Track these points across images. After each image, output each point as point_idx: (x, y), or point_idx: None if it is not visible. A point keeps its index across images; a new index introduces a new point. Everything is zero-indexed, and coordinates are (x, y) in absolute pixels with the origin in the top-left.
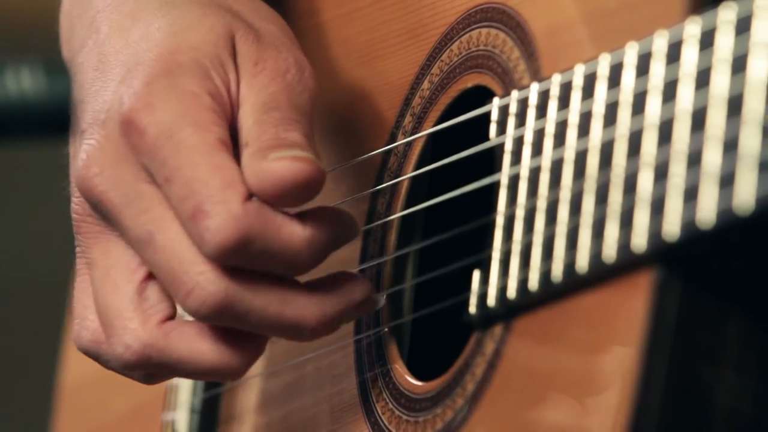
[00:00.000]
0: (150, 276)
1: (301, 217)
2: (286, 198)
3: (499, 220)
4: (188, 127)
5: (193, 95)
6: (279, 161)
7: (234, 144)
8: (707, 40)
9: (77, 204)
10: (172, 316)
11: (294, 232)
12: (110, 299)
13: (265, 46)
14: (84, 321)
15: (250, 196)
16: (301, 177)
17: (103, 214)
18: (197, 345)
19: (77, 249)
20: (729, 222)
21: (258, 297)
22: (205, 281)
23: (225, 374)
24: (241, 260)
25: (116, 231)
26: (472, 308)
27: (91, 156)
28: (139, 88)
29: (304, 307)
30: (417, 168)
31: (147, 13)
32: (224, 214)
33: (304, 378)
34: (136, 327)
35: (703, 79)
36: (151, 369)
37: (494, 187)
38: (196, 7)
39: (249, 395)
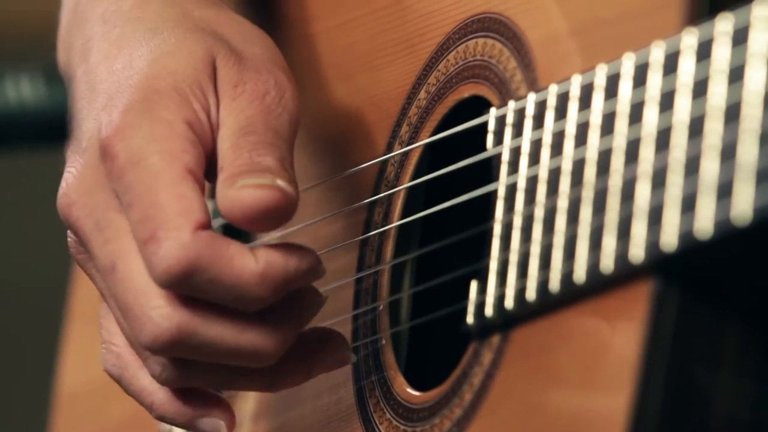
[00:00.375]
0: None
1: (258, 251)
2: (254, 225)
3: (497, 230)
4: (155, 154)
5: (166, 123)
6: (245, 189)
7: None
8: (704, 51)
9: (69, 236)
10: None
11: (246, 264)
12: (129, 294)
13: (246, 68)
14: (110, 346)
15: (205, 225)
16: (266, 205)
17: (81, 241)
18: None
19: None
20: (727, 233)
21: (211, 331)
22: (158, 316)
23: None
24: (189, 289)
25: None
26: (470, 318)
27: (69, 184)
28: (115, 116)
29: (260, 334)
30: (414, 178)
31: (132, 41)
32: (173, 241)
33: (302, 388)
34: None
35: (700, 90)
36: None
37: (491, 196)
38: (176, 32)
39: (247, 404)
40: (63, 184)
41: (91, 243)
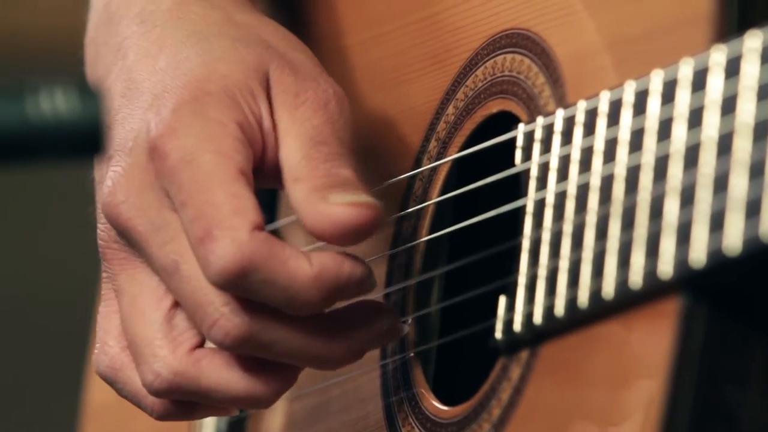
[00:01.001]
0: (178, 302)
1: (313, 255)
2: (344, 241)
3: (525, 246)
4: (209, 153)
5: (218, 122)
6: (342, 207)
7: (268, 175)
8: (733, 68)
9: (103, 231)
10: (201, 344)
11: (300, 267)
12: (139, 327)
13: (302, 77)
14: (104, 346)
15: (260, 225)
16: (364, 223)
17: (129, 241)
18: (227, 374)
19: (103, 275)
20: (755, 250)
21: (282, 328)
22: (230, 312)
23: (254, 403)
24: (243, 288)
25: (142, 258)
26: (498, 333)
27: (117, 183)
28: (166, 114)
29: (329, 338)
30: (442, 193)
31: (175, 42)
32: (229, 240)
33: (329, 401)
34: (166, 355)
35: (728, 107)
36: (178, 396)
37: (519, 212)
38: (226, 40)
39: (275, 418)
40: (109, 182)
41: (148, 243)
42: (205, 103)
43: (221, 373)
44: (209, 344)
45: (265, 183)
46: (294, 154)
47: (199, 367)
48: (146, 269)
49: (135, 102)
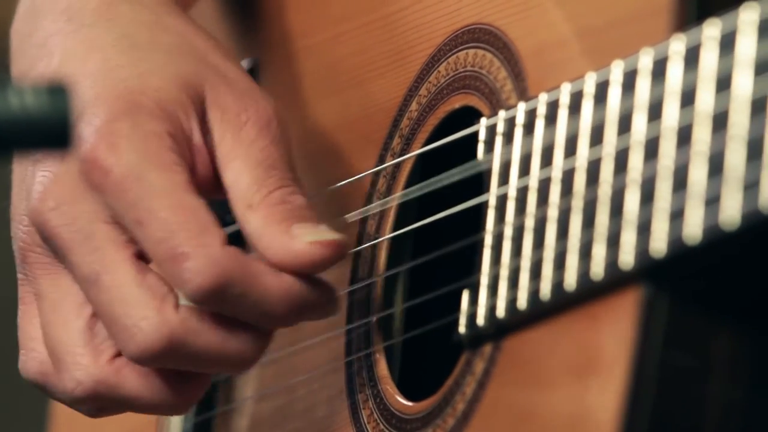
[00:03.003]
0: None
1: (282, 271)
2: (306, 272)
3: (488, 240)
4: (155, 169)
5: (156, 136)
6: (308, 245)
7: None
8: (692, 57)
9: (26, 233)
10: (121, 352)
11: (273, 282)
12: (60, 334)
13: (240, 94)
14: (31, 352)
15: (227, 239)
16: (328, 260)
17: (53, 248)
18: (146, 382)
19: (21, 277)
20: (715, 238)
21: (198, 341)
22: (147, 326)
23: (171, 410)
24: (219, 304)
25: (65, 265)
26: (462, 328)
27: (48, 189)
28: (100, 125)
29: (243, 343)
30: (406, 189)
31: (104, 44)
32: (204, 257)
33: (295, 401)
34: (87, 363)
35: (688, 96)
36: (101, 404)
37: (483, 206)
38: (161, 49)
39: (241, 419)
40: (39, 188)
41: (72, 252)
42: (139, 116)
43: (141, 382)
44: None
45: None
46: (243, 179)
47: (119, 375)
48: (69, 276)
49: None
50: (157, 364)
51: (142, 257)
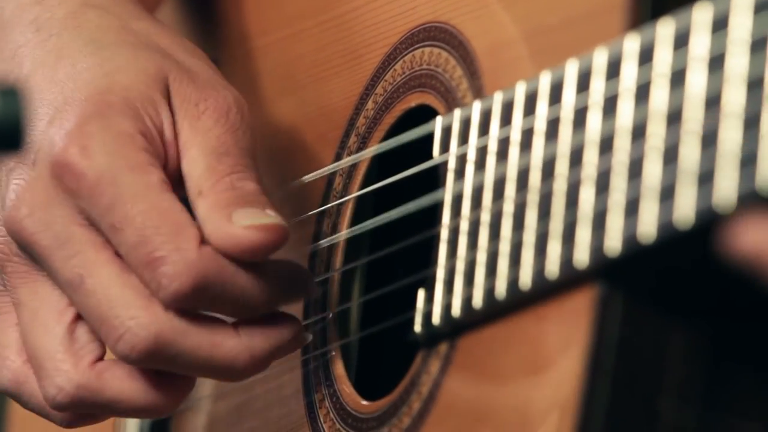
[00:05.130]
0: (79, 316)
1: (256, 264)
2: (248, 259)
3: (443, 238)
4: (129, 172)
5: (127, 136)
6: (246, 230)
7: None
8: (646, 56)
9: (2, 243)
10: (102, 356)
11: (248, 277)
12: (40, 340)
13: (201, 85)
14: (5, 361)
15: (201, 238)
16: (270, 243)
17: (32, 255)
18: (129, 385)
19: None
20: (669, 236)
21: (188, 341)
22: (136, 326)
23: (156, 413)
24: (198, 304)
25: (44, 272)
26: (418, 327)
27: (21, 197)
28: (71, 129)
29: (233, 350)
30: (362, 188)
31: (72, 51)
32: (180, 261)
33: (252, 400)
34: (68, 369)
35: (642, 94)
36: (83, 409)
37: (439, 205)
38: (126, 48)
39: (198, 417)
40: (12, 195)
41: (52, 258)
42: (109, 116)
43: (123, 385)
44: (109, 355)
45: None
46: (197, 166)
47: (101, 379)
48: (47, 282)
49: (34, 114)
50: (146, 364)
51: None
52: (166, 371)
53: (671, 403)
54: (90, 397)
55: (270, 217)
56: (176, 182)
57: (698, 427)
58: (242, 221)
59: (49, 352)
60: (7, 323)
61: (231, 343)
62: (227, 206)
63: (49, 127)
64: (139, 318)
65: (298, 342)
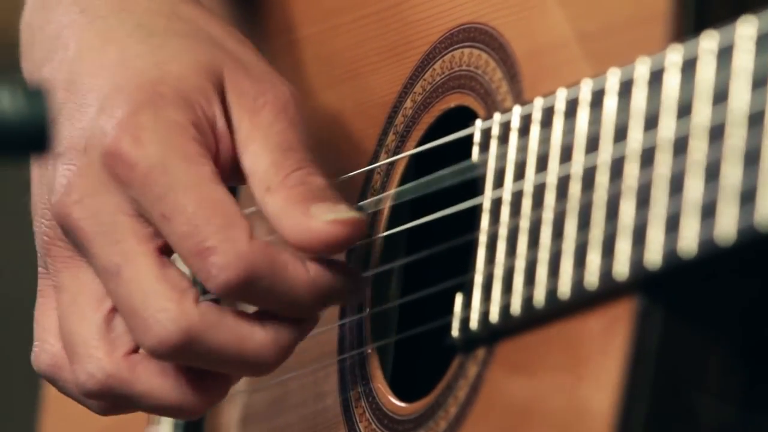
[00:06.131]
0: None
1: (307, 260)
2: (326, 254)
3: (482, 243)
4: (181, 162)
5: (180, 126)
6: (327, 224)
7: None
8: (689, 69)
9: (48, 227)
10: (137, 349)
11: (300, 273)
12: (76, 326)
13: (257, 78)
14: (44, 344)
15: (251, 231)
16: (348, 239)
17: (74, 241)
18: (161, 381)
19: (41, 271)
20: (711, 252)
21: (217, 336)
22: (166, 319)
23: (185, 413)
24: (246, 297)
25: (86, 258)
26: (455, 331)
27: (72, 183)
28: (122, 118)
29: (261, 344)
30: (400, 186)
31: (120, 35)
32: (231, 252)
33: (288, 395)
34: (101, 357)
35: (685, 108)
36: (111, 400)
37: (477, 209)
38: (178, 37)
39: (233, 410)
40: (63, 181)
41: (93, 244)
42: (161, 107)
43: (155, 380)
44: None
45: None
46: (261, 162)
47: (133, 371)
48: (89, 270)
49: (82, 99)
50: (175, 358)
51: (165, 252)
52: (201, 372)
53: (707, 418)
54: (120, 388)
55: (348, 211)
56: (228, 175)
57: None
58: (322, 216)
59: (84, 338)
60: (49, 306)
61: (259, 338)
62: (301, 202)
63: (100, 114)
64: (168, 311)
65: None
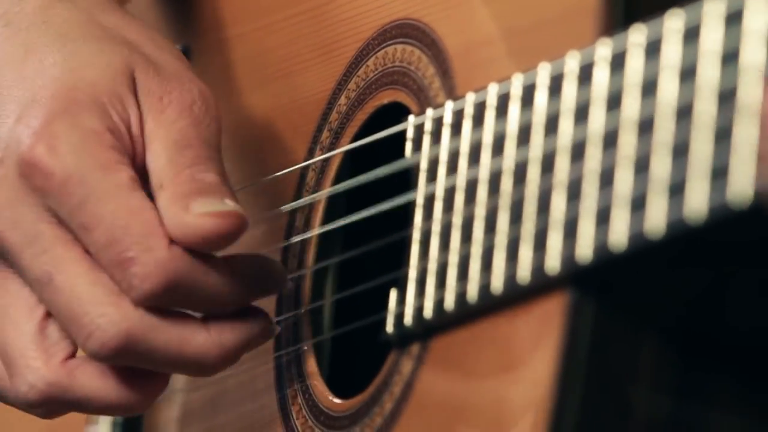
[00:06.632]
0: (50, 314)
1: (227, 260)
2: (208, 249)
3: (415, 238)
4: (97, 171)
5: (95, 134)
6: (202, 218)
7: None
8: (618, 62)
9: None
10: (74, 353)
11: (219, 274)
12: (11, 338)
13: (167, 78)
14: None
15: (170, 236)
16: (225, 231)
17: (1, 253)
18: (101, 383)
19: None
20: (640, 245)
21: (158, 337)
22: (106, 323)
23: (129, 410)
24: (171, 303)
25: (13, 269)
26: (390, 327)
27: None
28: (38, 127)
29: (203, 345)
30: (335, 183)
31: (40, 46)
32: (151, 261)
33: (225, 393)
34: (39, 366)
35: (614, 101)
36: (55, 407)
37: (411, 204)
38: (92, 42)
39: (171, 409)
40: None
41: (20, 256)
42: (76, 114)
43: (95, 383)
44: (81, 353)
45: None
46: (159, 159)
47: (72, 377)
48: (17, 280)
49: (2, 110)
50: (117, 361)
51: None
52: (138, 369)
53: (642, 409)
54: (61, 395)
55: (226, 205)
56: (144, 177)
57: (672, 425)
58: (198, 210)
59: (19, 350)
60: None
61: (201, 338)
62: (185, 197)
63: (16, 124)
64: (108, 315)
65: (267, 335)
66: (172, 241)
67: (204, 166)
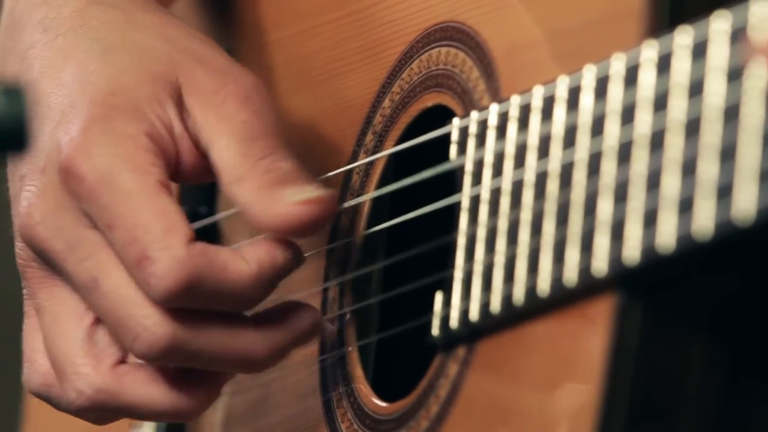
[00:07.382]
0: (99, 320)
1: (245, 252)
2: (300, 236)
3: (461, 241)
4: (127, 172)
5: (130, 138)
6: (296, 206)
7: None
8: (664, 64)
9: (21, 249)
10: (123, 359)
11: (240, 269)
12: (60, 345)
13: (216, 72)
14: (34, 364)
15: (192, 236)
16: (319, 218)
17: (47, 261)
18: (151, 388)
19: (24, 292)
20: (688, 247)
21: (206, 335)
22: (153, 325)
23: (179, 417)
24: (190, 302)
25: (61, 277)
26: (435, 330)
27: (33, 204)
28: (75, 134)
29: (252, 341)
30: (379, 186)
31: (78, 52)
32: (168, 259)
33: (270, 396)
34: (89, 372)
35: (660, 103)
36: (105, 413)
37: (455, 207)
38: (130, 46)
39: (215, 412)
40: (24, 203)
41: (66, 262)
42: (113, 119)
43: (145, 389)
44: (132, 359)
45: (186, 181)
46: (229, 154)
47: (121, 383)
48: (66, 287)
49: (43, 117)
50: (167, 361)
51: None
52: (191, 374)
53: (689, 413)
54: (111, 401)
55: (314, 191)
56: (194, 174)
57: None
58: (289, 198)
59: (69, 357)
60: (35, 327)
61: (249, 334)
62: (270, 187)
63: (55, 131)
64: (153, 317)
65: (316, 331)
66: (192, 239)
67: (277, 155)
